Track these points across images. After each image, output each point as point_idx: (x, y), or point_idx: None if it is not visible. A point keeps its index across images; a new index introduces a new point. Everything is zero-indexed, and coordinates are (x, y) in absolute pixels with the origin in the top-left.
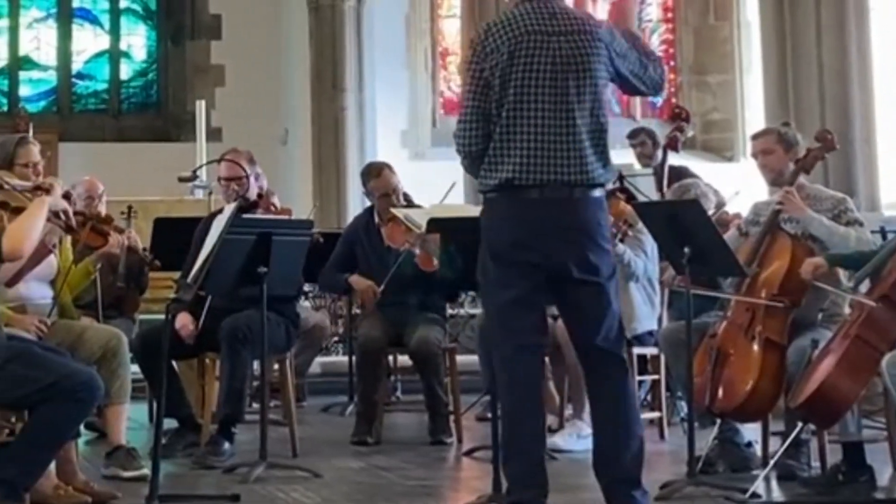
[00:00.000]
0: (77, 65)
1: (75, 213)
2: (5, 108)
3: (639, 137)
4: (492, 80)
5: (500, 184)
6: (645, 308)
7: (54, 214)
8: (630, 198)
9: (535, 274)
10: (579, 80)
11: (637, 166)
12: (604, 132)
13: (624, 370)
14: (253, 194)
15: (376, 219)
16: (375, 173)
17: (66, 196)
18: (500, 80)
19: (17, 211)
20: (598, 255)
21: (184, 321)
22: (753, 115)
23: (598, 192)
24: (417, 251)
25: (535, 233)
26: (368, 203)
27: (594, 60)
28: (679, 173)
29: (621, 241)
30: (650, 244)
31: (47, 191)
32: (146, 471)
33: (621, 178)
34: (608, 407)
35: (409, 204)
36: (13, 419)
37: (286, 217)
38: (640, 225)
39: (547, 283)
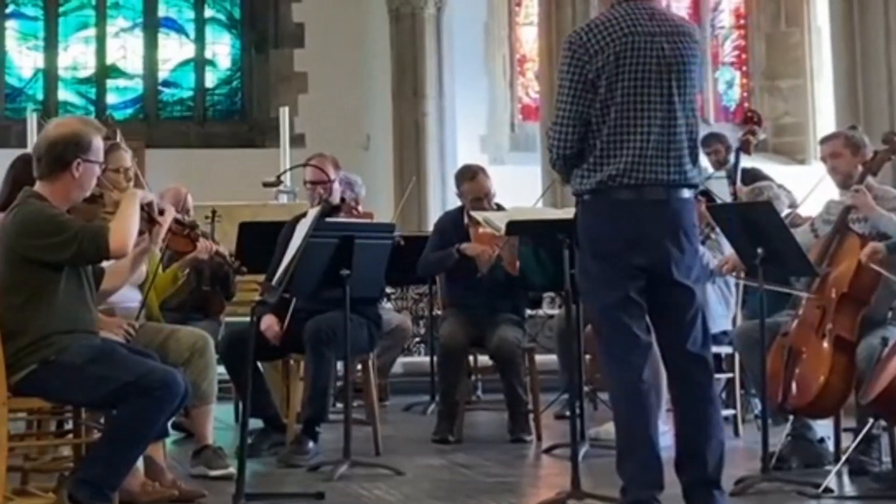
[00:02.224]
0: (163, 73)
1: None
2: (93, 116)
3: (712, 145)
4: (597, 82)
5: (601, 182)
6: (720, 308)
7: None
8: (710, 201)
9: (638, 276)
10: (680, 80)
11: (710, 169)
12: (696, 132)
13: (709, 374)
14: (336, 199)
15: (465, 220)
16: (470, 176)
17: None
18: (606, 82)
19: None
20: (692, 258)
21: (269, 323)
22: (824, 118)
23: (689, 193)
24: (505, 255)
25: (638, 235)
26: (454, 206)
27: (692, 61)
28: (752, 176)
29: (703, 243)
30: (727, 246)
31: (161, 212)
32: (232, 469)
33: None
34: (692, 410)
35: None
36: (102, 420)
37: (368, 221)
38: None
39: (647, 286)
